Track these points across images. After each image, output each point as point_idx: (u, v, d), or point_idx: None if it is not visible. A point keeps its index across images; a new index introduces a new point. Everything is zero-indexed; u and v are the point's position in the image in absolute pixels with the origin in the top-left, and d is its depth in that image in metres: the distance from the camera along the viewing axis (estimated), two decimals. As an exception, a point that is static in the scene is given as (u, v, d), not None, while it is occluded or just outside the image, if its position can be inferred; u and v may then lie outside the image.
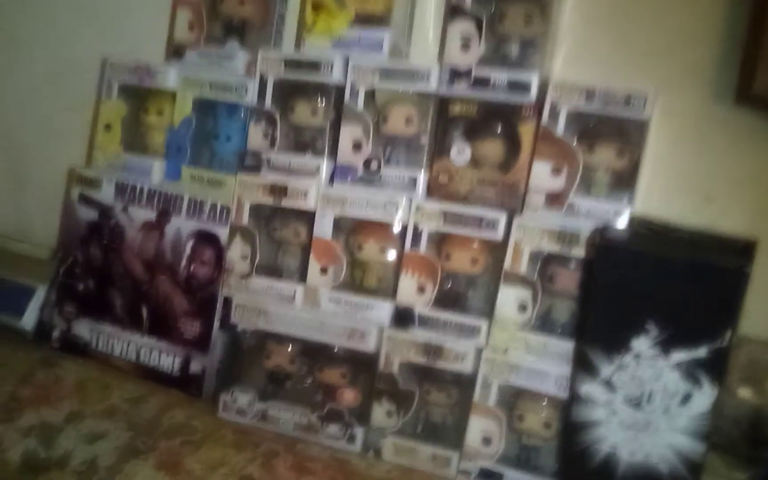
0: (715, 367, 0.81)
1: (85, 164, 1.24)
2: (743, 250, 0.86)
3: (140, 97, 1.19)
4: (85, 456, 0.96)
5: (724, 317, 0.80)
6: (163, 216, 1.14)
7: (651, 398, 0.84)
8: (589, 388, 0.87)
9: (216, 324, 1.10)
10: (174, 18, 1.17)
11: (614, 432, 0.86)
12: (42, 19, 1.32)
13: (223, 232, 1.10)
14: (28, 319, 1.21)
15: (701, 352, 0.81)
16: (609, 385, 0.86)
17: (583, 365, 0.87)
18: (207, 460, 0.96)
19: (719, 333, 0.80)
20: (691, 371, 0.82)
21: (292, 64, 1.07)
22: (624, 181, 0.94)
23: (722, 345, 0.80)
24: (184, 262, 1.13)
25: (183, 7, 1.15)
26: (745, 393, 0.94)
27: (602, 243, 0.86)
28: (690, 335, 0.81)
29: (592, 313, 0.88)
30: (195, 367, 1.11)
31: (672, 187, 0.98)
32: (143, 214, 1.15)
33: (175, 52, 1.16)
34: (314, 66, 1.05)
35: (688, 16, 0.96)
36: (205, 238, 1.11)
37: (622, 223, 0.92)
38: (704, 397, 0.82)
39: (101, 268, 1.18)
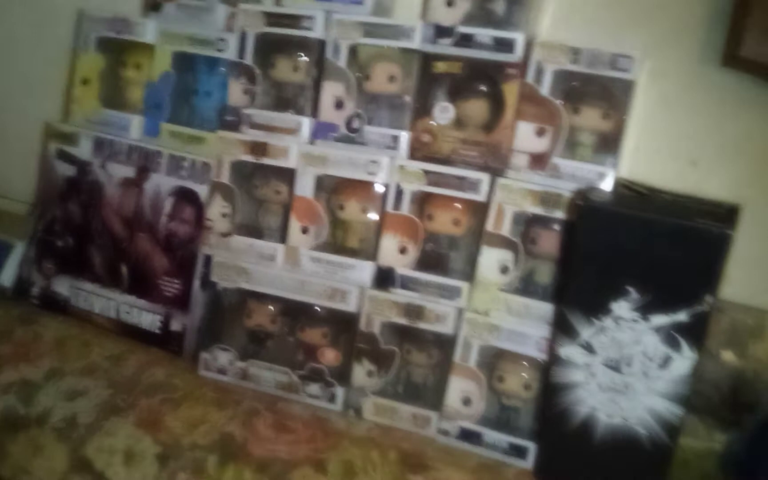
0: (695, 332, 0.81)
1: (62, 119, 1.22)
2: (727, 215, 0.86)
3: (118, 50, 1.17)
4: (64, 413, 0.96)
5: (706, 281, 0.80)
6: (142, 172, 1.13)
7: (630, 361, 0.84)
8: (569, 350, 0.87)
9: (196, 282, 1.10)
10: (152, -31, 1.14)
11: (593, 394, 0.87)
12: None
13: (202, 190, 1.09)
14: (7, 276, 1.20)
15: (681, 316, 0.81)
16: (589, 347, 0.86)
17: (563, 328, 0.87)
18: (187, 418, 0.96)
19: (700, 297, 0.80)
20: (671, 335, 0.82)
21: (272, 18, 1.05)
22: (609, 144, 0.93)
23: (703, 309, 0.80)
24: (163, 220, 1.12)
25: (161, -42, 1.13)
26: (728, 356, 0.95)
27: (584, 204, 0.86)
28: (671, 299, 0.81)
29: (572, 276, 0.88)
30: (175, 325, 1.11)
31: (657, 150, 0.98)
32: (122, 170, 1.14)
33: (153, 5, 1.14)
34: (295, 21, 1.03)
35: (677, -24, 0.95)
36: (185, 196, 1.10)
37: (606, 185, 0.92)
38: (684, 360, 0.82)
39: (80, 225, 1.17)
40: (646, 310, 0.82)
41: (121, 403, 0.98)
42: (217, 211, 1.08)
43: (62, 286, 1.18)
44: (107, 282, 1.15)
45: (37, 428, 0.95)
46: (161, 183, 1.11)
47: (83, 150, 1.16)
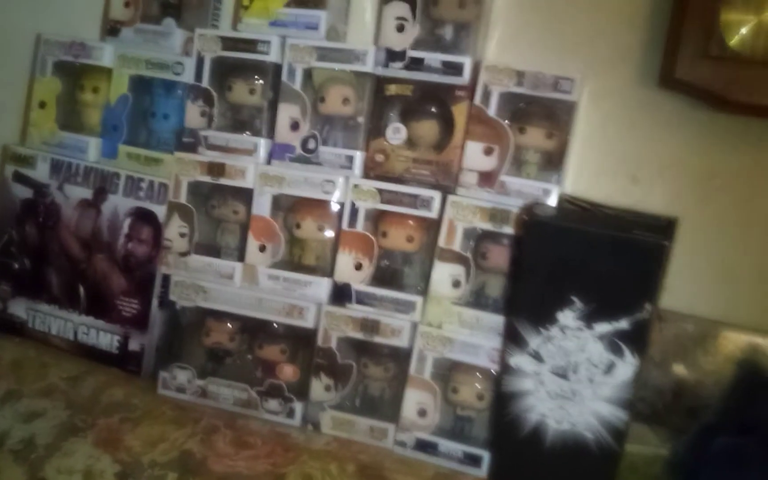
0: (637, 338, 0.85)
1: (19, 142, 1.22)
2: (664, 228, 0.90)
3: (75, 74, 1.17)
4: (22, 435, 0.96)
5: (645, 290, 0.84)
6: (100, 194, 1.13)
7: (576, 368, 0.88)
8: (519, 359, 0.90)
9: (155, 302, 1.10)
10: (110, -6, 1.15)
11: (542, 401, 0.90)
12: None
13: (160, 210, 1.10)
14: None
15: (623, 323, 0.84)
16: (537, 356, 0.89)
17: (512, 338, 0.90)
18: (146, 437, 0.96)
19: (640, 305, 0.84)
20: (614, 342, 0.85)
21: (229, 42, 1.06)
22: (553, 162, 0.97)
23: (643, 317, 0.84)
24: (121, 241, 1.12)
25: (119, -17, 1.14)
26: (679, 369, 0.99)
27: (529, 220, 0.89)
28: (612, 308, 0.85)
29: (520, 288, 0.91)
30: (134, 345, 1.11)
31: (600, 168, 1.01)
32: (79, 192, 1.14)
33: (111, 29, 1.14)
34: (251, 45, 1.05)
35: (615, 2, 0.99)
36: (143, 216, 1.11)
37: (551, 201, 0.95)
38: (626, 366, 0.86)
39: (37, 247, 1.17)
40: (589, 319, 0.86)
41: (80, 423, 0.98)
42: (175, 231, 1.08)
43: (19, 308, 1.17)
44: (65, 303, 1.15)
45: None
46: (119, 204, 1.12)
47: (40, 172, 1.16)
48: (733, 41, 0.90)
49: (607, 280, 0.85)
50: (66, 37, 1.17)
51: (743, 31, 0.90)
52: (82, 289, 1.14)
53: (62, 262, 1.15)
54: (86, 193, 1.14)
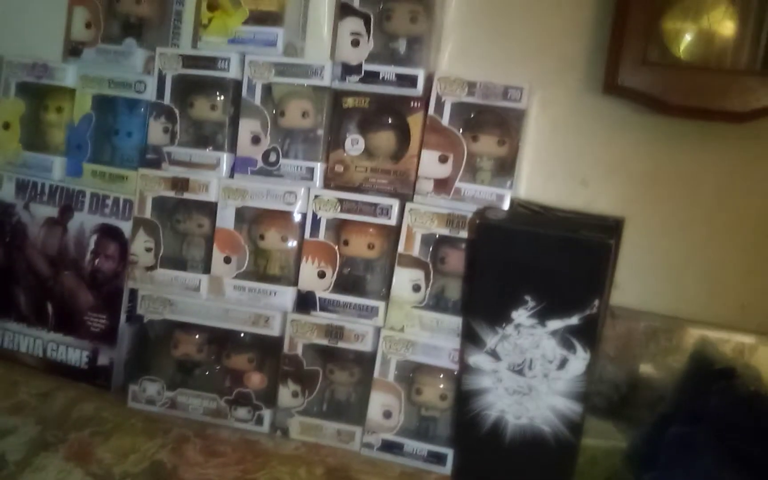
0: (587, 334, 0.88)
1: None
2: (611, 228, 0.93)
3: (39, 95, 1.19)
4: None
5: (593, 288, 0.87)
6: (66, 212, 1.14)
7: (532, 364, 0.91)
8: (477, 358, 0.93)
9: (122, 317, 1.12)
10: (71, 16, 1.16)
11: (501, 398, 0.93)
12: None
13: (126, 226, 1.11)
14: None
15: (573, 319, 0.88)
16: (494, 354, 0.92)
17: (470, 337, 0.93)
18: (117, 449, 0.97)
19: (589, 302, 0.87)
20: (566, 338, 0.88)
21: (189, 60, 1.08)
22: (506, 168, 1.00)
23: (591, 312, 0.87)
24: (88, 257, 1.13)
25: (79, 5, 1.15)
26: (633, 363, 1.02)
27: (482, 223, 0.93)
28: (563, 305, 0.88)
29: (476, 289, 0.94)
30: (103, 359, 1.12)
31: (550, 172, 1.05)
32: (45, 210, 1.16)
33: (73, 50, 1.16)
34: (211, 62, 1.07)
35: (560, 15, 1.03)
36: (109, 233, 1.12)
37: (504, 206, 0.99)
38: (579, 361, 0.89)
39: (4, 266, 1.18)
40: (542, 316, 0.89)
41: (51, 438, 0.98)
42: (141, 246, 1.10)
43: (-14, 328, 1.18)
44: (33, 321, 1.16)
45: None
46: (85, 221, 1.13)
47: (6, 192, 1.17)
48: (675, 48, 0.94)
49: (557, 279, 0.88)
50: (28, 58, 1.18)
51: (685, 38, 0.95)
52: (50, 307, 1.15)
53: (30, 281, 1.17)
54: (52, 211, 1.15)
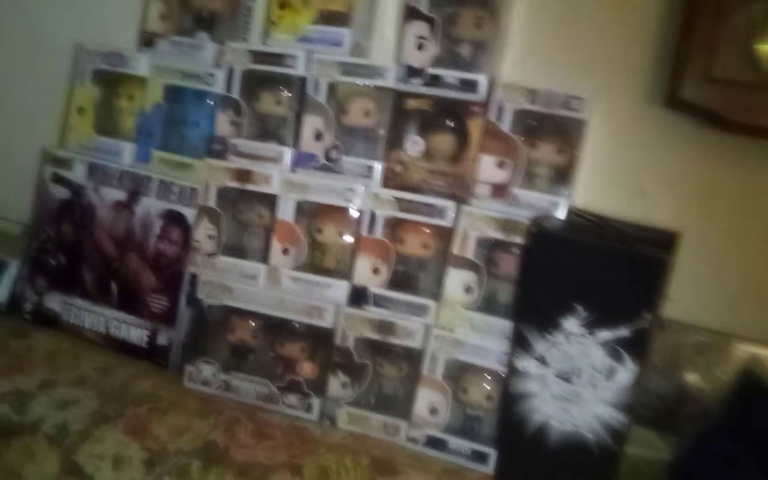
0: (636, 346, 0.89)
1: (58, 145, 1.27)
2: (666, 241, 0.94)
3: (112, 82, 1.23)
4: (56, 421, 0.99)
5: (644, 301, 0.88)
6: (134, 196, 1.18)
7: (579, 373, 0.92)
8: (525, 363, 0.94)
9: (182, 299, 1.15)
10: (146, 8, 1.21)
11: (547, 403, 0.94)
12: (19, 5, 1.34)
13: (190, 213, 1.15)
14: (2, 292, 1.25)
15: (623, 331, 0.89)
16: (542, 360, 0.93)
17: (519, 342, 0.95)
18: (172, 426, 1.00)
19: (640, 315, 0.88)
20: (615, 349, 0.89)
21: (258, 56, 1.12)
22: (563, 176, 1.01)
23: (642, 326, 0.88)
24: (153, 241, 1.17)
25: (155, -2, 1.19)
26: (692, 378, 1.02)
27: (537, 231, 0.94)
28: (614, 316, 0.89)
29: (527, 294, 0.95)
30: (162, 339, 1.16)
31: (608, 183, 1.05)
32: (114, 193, 1.20)
33: (147, 41, 1.20)
34: (279, 59, 1.10)
35: (625, 25, 1.03)
36: (174, 218, 1.16)
37: (560, 214, 1.00)
38: (627, 372, 0.90)
39: (72, 245, 1.22)
40: (592, 326, 0.90)
41: (110, 412, 1.01)
42: (203, 233, 1.13)
43: (54, 302, 1.22)
44: (98, 298, 1.20)
45: (30, 435, 0.98)
46: (151, 206, 1.17)
47: (77, 174, 1.22)
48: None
49: (609, 290, 0.89)
50: (104, 47, 1.22)
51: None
52: (114, 286, 1.20)
53: (96, 260, 1.21)
54: (120, 194, 1.19)
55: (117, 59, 1.21)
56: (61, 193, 1.23)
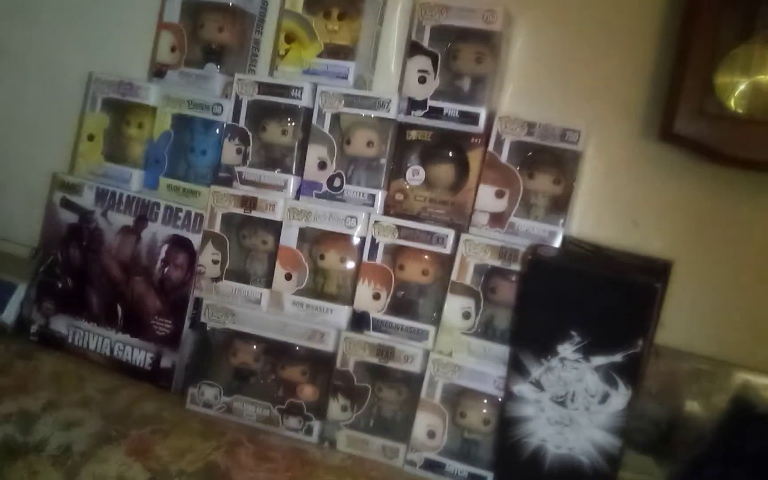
0: (630, 371, 0.91)
1: (68, 170, 1.30)
2: (659, 270, 0.96)
3: (122, 110, 1.25)
4: (60, 442, 1.00)
5: (638, 327, 0.90)
6: (141, 221, 1.20)
7: (574, 397, 0.93)
8: (521, 387, 0.96)
9: (186, 323, 1.17)
10: (157, 40, 1.23)
11: (542, 427, 0.95)
12: (33, 34, 1.37)
13: (195, 238, 1.17)
14: (9, 314, 1.26)
15: (617, 357, 0.90)
16: (538, 385, 0.95)
17: (516, 367, 0.96)
18: (175, 447, 1.00)
19: (633, 341, 0.90)
20: (609, 374, 0.91)
21: (265, 87, 1.14)
22: (560, 206, 1.03)
23: (636, 351, 0.90)
24: (158, 265, 1.19)
25: (166, 30, 1.22)
26: (674, 402, 1.03)
27: (534, 259, 0.96)
28: (608, 342, 0.91)
29: (524, 321, 0.97)
30: (165, 362, 1.17)
31: (603, 212, 1.07)
32: (121, 219, 1.22)
33: (157, 71, 1.22)
34: (285, 90, 1.13)
35: (620, 61, 1.06)
36: (179, 243, 1.18)
37: (556, 242, 1.02)
38: (620, 396, 0.92)
39: (79, 268, 1.24)
40: (587, 351, 0.92)
41: (114, 432, 1.02)
42: (208, 257, 1.15)
43: (60, 325, 1.24)
44: (103, 321, 1.22)
45: (34, 455, 0.99)
46: (158, 231, 1.19)
47: (86, 199, 1.24)
48: (729, 101, 0.96)
49: (604, 317, 0.91)
50: (115, 76, 1.25)
51: (738, 91, 0.97)
52: (120, 309, 1.21)
53: (103, 283, 1.23)
54: (128, 220, 1.22)
55: (127, 89, 1.24)
56: (69, 217, 1.25)
